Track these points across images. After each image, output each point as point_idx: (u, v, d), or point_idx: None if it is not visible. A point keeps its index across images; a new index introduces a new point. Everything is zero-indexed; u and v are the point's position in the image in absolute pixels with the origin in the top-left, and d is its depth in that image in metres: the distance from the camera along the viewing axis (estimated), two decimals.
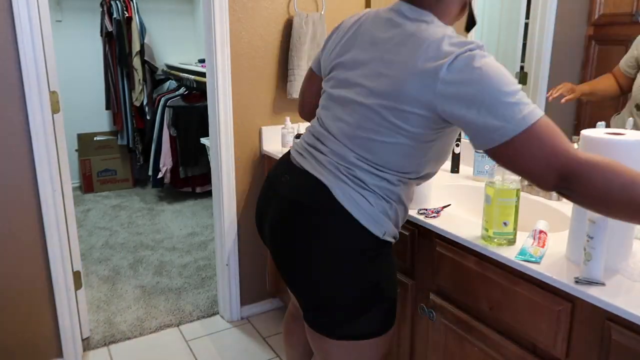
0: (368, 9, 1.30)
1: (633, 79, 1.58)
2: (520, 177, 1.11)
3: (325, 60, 1.31)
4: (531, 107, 0.97)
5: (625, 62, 1.60)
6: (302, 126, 2.44)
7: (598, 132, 1.13)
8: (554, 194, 1.64)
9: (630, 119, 1.43)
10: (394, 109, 1.09)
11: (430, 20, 1.12)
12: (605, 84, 1.66)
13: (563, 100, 1.72)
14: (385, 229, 1.18)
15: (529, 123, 0.96)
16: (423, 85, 1.04)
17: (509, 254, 1.24)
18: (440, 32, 1.08)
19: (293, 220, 1.20)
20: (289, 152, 1.34)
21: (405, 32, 1.12)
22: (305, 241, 1.18)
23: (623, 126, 1.46)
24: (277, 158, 2.35)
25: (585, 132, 1.13)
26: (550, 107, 1.85)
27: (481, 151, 1.15)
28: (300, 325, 1.60)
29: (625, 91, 1.60)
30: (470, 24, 1.25)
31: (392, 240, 1.24)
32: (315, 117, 1.31)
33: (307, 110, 1.49)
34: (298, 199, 1.20)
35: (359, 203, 1.14)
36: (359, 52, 1.19)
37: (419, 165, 1.18)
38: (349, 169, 1.16)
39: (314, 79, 1.42)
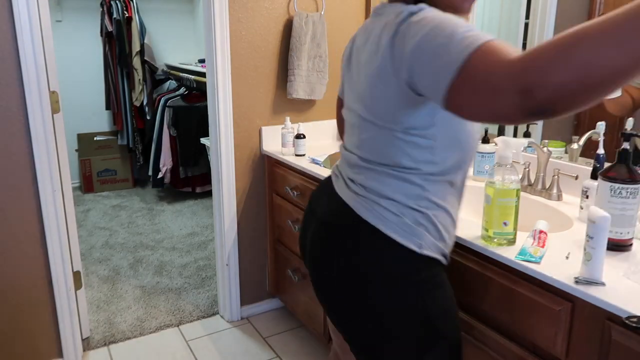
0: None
1: None
2: (520, 177, 1.08)
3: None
4: (476, 32, 0.80)
5: None
6: (302, 126, 2.43)
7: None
8: (554, 193, 1.64)
9: (631, 119, 1.43)
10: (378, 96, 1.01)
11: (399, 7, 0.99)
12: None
13: None
14: (421, 241, 1.03)
15: (473, 47, 0.77)
16: (386, 60, 0.95)
17: (509, 254, 1.24)
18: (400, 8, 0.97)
19: (325, 242, 1.12)
20: (330, 174, 1.27)
21: (375, 27, 1.02)
22: (336, 263, 1.08)
23: None
24: (277, 158, 2.36)
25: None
26: None
27: (439, 104, 0.86)
28: None
29: (638, 104, 1.54)
30: None
31: (439, 258, 1.07)
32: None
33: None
34: (328, 220, 1.13)
35: (384, 215, 1.03)
36: (352, 65, 1.14)
37: (433, 155, 1.02)
38: (361, 179, 1.08)
39: (339, 104, 1.36)
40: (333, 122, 2.64)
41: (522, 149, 1.37)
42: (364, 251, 1.05)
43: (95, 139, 4.74)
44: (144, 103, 4.57)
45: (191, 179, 4.45)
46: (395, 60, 0.92)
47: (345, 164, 1.16)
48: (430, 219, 1.04)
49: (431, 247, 1.05)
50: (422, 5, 0.94)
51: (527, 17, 1.90)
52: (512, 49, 0.75)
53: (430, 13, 0.90)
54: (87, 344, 2.38)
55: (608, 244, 1.12)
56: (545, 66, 0.66)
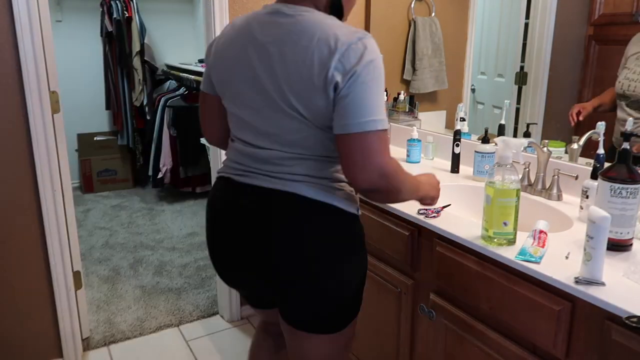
0: (233, 21, 1.26)
1: None
2: (520, 177, 1.11)
3: (215, 79, 1.28)
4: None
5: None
6: None
7: None
8: (554, 193, 1.64)
9: (631, 119, 1.43)
10: (303, 103, 1.12)
11: (311, 11, 1.14)
12: (608, 96, 1.70)
13: (581, 117, 1.77)
14: (357, 205, 1.27)
15: (386, 126, 1.11)
16: (320, 75, 1.08)
17: (509, 254, 1.24)
18: (328, 23, 1.12)
19: (276, 230, 1.18)
20: (223, 179, 1.31)
21: (292, 28, 1.13)
22: (295, 246, 1.17)
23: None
24: None
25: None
26: (551, 108, 1.85)
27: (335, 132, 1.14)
28: (270, 340, 1.59)
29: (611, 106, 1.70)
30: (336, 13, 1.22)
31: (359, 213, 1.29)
32: (232, 139, 1.30)
33: (217, 136, 1.42)
34: (272, 212, 1.18)
35: (332, 192, 1.20)
36: (252, 65, 1.17)
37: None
38: (297, 169, 1.18)
39: (209, 100, 1.35)
40: None
41: (522, 149, 1.37)
42: (320, 225, 1.19)
43: (95, 139, 4.74)
44: (144, 103, 4.57)
45: (191, 179, 4.45)
46: (329, 80, 1.08)
47: (258, 161, 1.22)
48: (348, 187, 1.25)
49: (359, 209, 1.28)
50: (360, 34, 1.10)
51: (527, 17, 1.90)
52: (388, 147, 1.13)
53: (375, 55, 1.11)
54: (87, 344, 2.38)
55: (608, 244, 1.12)
56: (393, 181, 1.13)
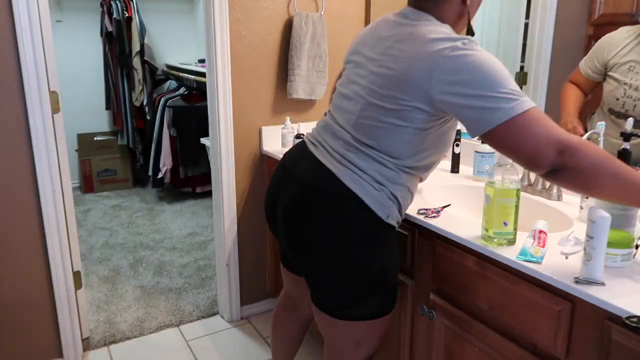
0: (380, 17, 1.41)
1: (597, 82, 1.68)
2: (520, 177, 1.12)
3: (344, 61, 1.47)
4: (525, 97, 1.09)
5: (588, 68, 1.69)
6: (302, 126, 2.43)
7: None
8: (554, 193, 1.64)
9: (631, 119, 1.43)
10: (394, 99, 1.20)
11: (430, 20, 1.24)
12: (576, 98, 1.75)
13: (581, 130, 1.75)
14: (389, 212, 1.30)
15: (527, 107, 1.08)
16: (422, 77, 1.14)
17: (509, 254, 1.24)
18: (438, 29, 1.19)
19: (308, 202, 1.31)
20: (303, 140, 1.46)
21: (406, 31, 1.23)
22: (318, 223, 1.30)
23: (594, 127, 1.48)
24: (277, 158, 2.35)
25: None
26: (551, 108, 1.85)
27: (478, 138, 1.17)
28: (289, 315, 1.79)
29: (587, 94, 1.72)
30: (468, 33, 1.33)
31: (396, 225, 1.35)
32: (327, 111, 1.45)
33: None
34: (313, 184, 1.31)
35: (368, 189, 1.27)
36: (366, 51, 1.32)
37: (418, 153, 1.27)
38: (350, 156, 1.28)
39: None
40: None
41: None
42: (346, 214, 1.28)
43: (95, 139, 4.74)
44: (144, 103, 4.57)
45: (191, 179, 4.45)
46: (435, 83, 1.13)
47: (331, 137, 1.35)
48: (398, 198, 1.31)
49: (393, 218, 1.33)
50: (465, 39, 1.14)
51: (527, 17, 1.90)
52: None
53: (480, 54, 1.12)
54: (87, 344, 2.38)
55: None
56: (592, 160, 1.04)
